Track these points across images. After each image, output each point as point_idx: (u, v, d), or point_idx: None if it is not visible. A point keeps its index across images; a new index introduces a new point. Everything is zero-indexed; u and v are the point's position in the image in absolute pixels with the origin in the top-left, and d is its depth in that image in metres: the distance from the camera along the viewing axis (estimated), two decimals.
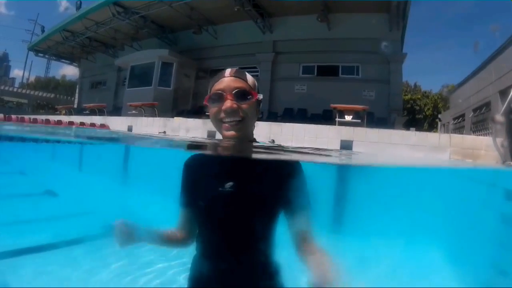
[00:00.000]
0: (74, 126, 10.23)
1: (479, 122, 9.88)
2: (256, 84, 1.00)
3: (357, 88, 11.13)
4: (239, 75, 0.95)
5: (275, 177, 0.94)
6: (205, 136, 8.99)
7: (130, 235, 0.92)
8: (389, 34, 11.32)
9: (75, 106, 17.97)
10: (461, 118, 12.04)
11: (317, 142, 7.22)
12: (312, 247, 0.89)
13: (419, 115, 24.09)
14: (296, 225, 0.92)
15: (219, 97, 0.92)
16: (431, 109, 23.98)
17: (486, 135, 8.59)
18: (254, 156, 1.05)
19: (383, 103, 10.96)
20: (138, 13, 12.81)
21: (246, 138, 0.97)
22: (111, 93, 16.15)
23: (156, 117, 10.54)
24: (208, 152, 1.38)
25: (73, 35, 15.71)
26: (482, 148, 6.85)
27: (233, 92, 0.91)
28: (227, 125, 0.91)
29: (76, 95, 19.63)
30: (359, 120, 8.47)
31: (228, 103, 0.90)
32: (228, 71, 0.96)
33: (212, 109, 0.94)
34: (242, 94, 0.92)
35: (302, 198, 0.93)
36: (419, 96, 25.70)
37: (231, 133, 0.91)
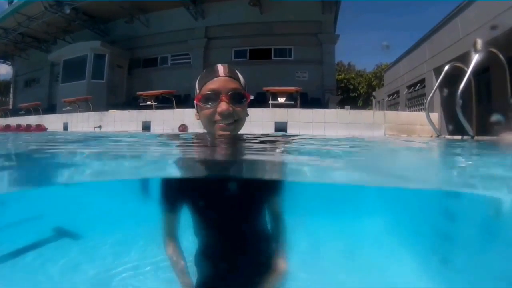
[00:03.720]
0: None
1: (413, 98, 10.41)
2: (245, 82, 0.97)
3: (290, 70, 11.40)
4: (233, 75, 0.92)
5: None
6: (140, 128, 8.83)
7: None
8: (322, 16, 11.63)
9: (11, 107, 16.88)
10: (395, 95, 12.55)
11: (252, 124, 7.31)
12: None
13: (354, 93, 25.15)
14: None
15: (214, 98, 0.88)
16: (365, 87, 25.12)
17: (421, 111, 9.03)
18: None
19: (317, 84, 11.32)
20: (71, 5, 12.30)
21: (236, 136, 0.97)
22: (45, 90, 15.38)
23: (91, 111, 10.19)
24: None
25: (5, 31, 14.95)
26: (417, 123, 7.26)
27: (229, 93, 0.88)
28: (221, 125, 0.89)
29: (11, 95, 18.47)
30: (292, 102, 8.65)
31: (224, 106, 0.86)
32: (221, 70, 0.91)
33: (206, 110, 0.89)
34: (237, 96, 0.89)
35: None
36: (353, 75, 26.73)
37: (226, 133, 0.90)
